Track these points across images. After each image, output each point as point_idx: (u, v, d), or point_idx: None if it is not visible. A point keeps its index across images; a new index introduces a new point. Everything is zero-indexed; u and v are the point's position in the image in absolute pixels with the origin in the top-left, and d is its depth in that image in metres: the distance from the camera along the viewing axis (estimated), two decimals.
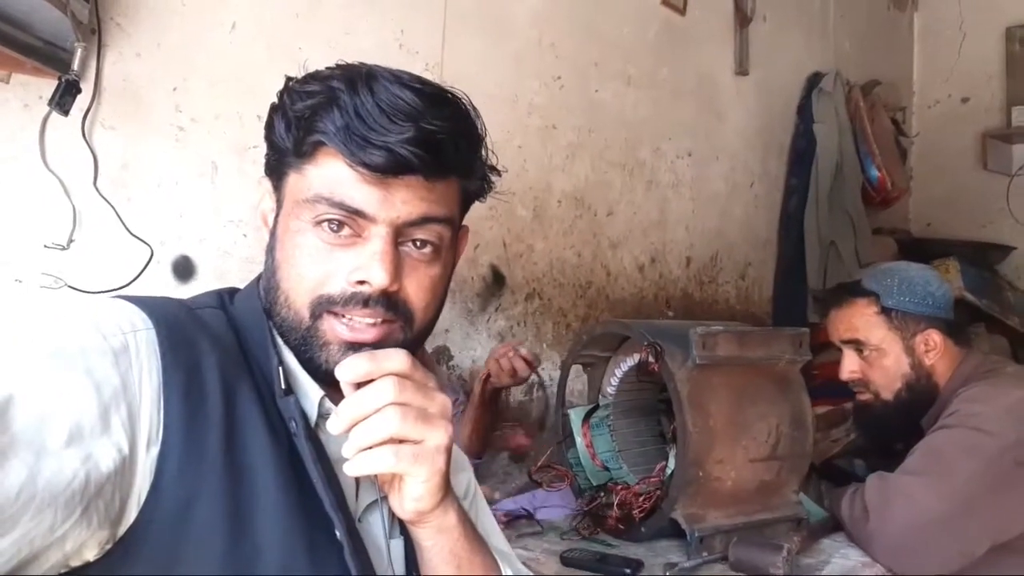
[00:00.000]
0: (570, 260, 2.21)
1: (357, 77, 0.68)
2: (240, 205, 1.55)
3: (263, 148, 0.76)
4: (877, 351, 1.61)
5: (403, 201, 0.69)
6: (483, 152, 0.76)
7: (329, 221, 0.69)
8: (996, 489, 1.40)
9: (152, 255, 1.44)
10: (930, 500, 1.38)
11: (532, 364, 1.67)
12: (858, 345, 1.63)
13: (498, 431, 1.82)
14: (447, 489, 0.70)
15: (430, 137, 0.67)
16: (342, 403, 0.65)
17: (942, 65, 3.60)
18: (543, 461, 1.54)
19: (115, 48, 1.39)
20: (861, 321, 1.62)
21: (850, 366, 1.65)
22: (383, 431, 0.63)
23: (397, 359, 0.65)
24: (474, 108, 0.73)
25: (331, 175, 0.68)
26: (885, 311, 1.60)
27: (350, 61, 0.72)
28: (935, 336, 1.59)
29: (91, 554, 0.60)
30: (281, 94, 0.72)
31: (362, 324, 0.69)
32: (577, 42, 2.22)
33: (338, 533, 0.67)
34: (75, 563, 0.59)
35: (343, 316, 0.69)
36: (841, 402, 1.87)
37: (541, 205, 2.14)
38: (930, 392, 1.60)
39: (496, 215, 2.02)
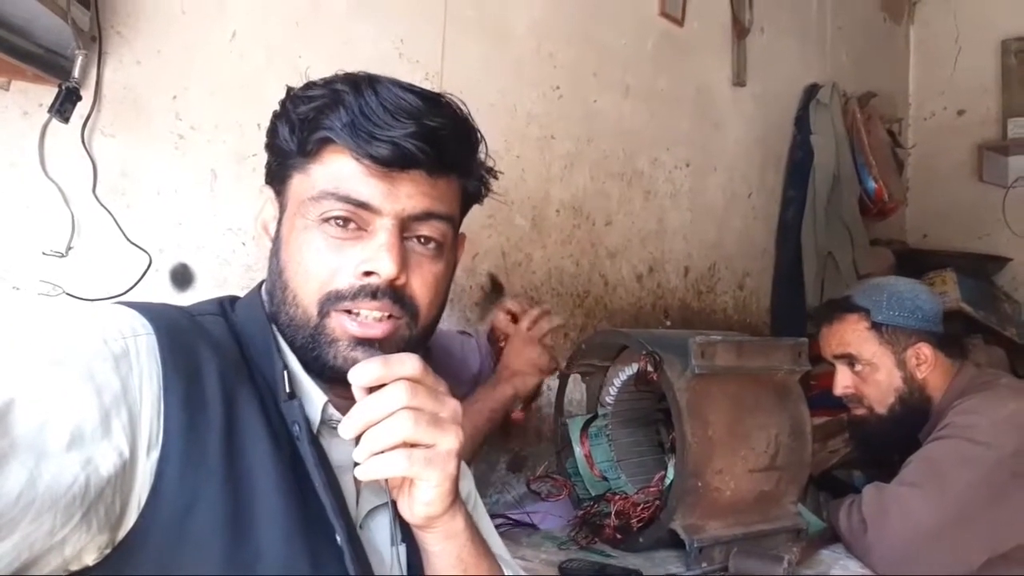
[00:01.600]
0: (568, 269, 2.21)
1: (360, 81, 0.70)
2: (239, 213, 1.54)
3: (263, 157, 0.76)
4: (869, 366, 1.62)
5: (408, 195, 0.71)
6: (480, 154, 0.77)
7: (336, 217, 0.70)
8: (993, 500, 1.40)
9: (151, 263, 1.43)
10: (926, 511, 1.38)
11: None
12: (850, 360, 1.64)
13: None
14: (456, 494, 0.70)
15: (432, 133, 0.69)
16: (354, 407, 0.65)
17: (938, 77, 3.62)
18: (541, 471, 1.54)
19: (115, 56, 1.39)
20: (852, 336, 1.63)
21: (843, 381, 1.66)
22: (396, 435, 0.64)
23: (409, 364, 0.66)
24: (469, 112, 0.76)
25: (336, 171, 0.70)
26: (875, 326, 1.62)
27: (350, 70, 0.74)
28: (925, 349, 1.60)
29: (90, 558, 0.60)
30: (284, 101, 0.74)
31: (370, 319, 0.70)
32: (576, 52, 2.23)
33: (339, 539, 0.67)
34: (74, 567, 0.59)
35: (351, 312, 0.70)
36: (839, 413, 1.88)
37: (539, 214, 2.14)
38: (923, 405, 1.61)
39: (495, 224, 2.02)
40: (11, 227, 1.30)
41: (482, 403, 1.45)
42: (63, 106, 1.20)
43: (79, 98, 1.25)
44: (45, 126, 1.31)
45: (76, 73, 1.23)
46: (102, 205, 1.38)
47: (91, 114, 1.36)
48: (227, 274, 1.53)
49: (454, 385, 1.77)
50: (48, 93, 1.26)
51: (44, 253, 1.32)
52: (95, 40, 1.35)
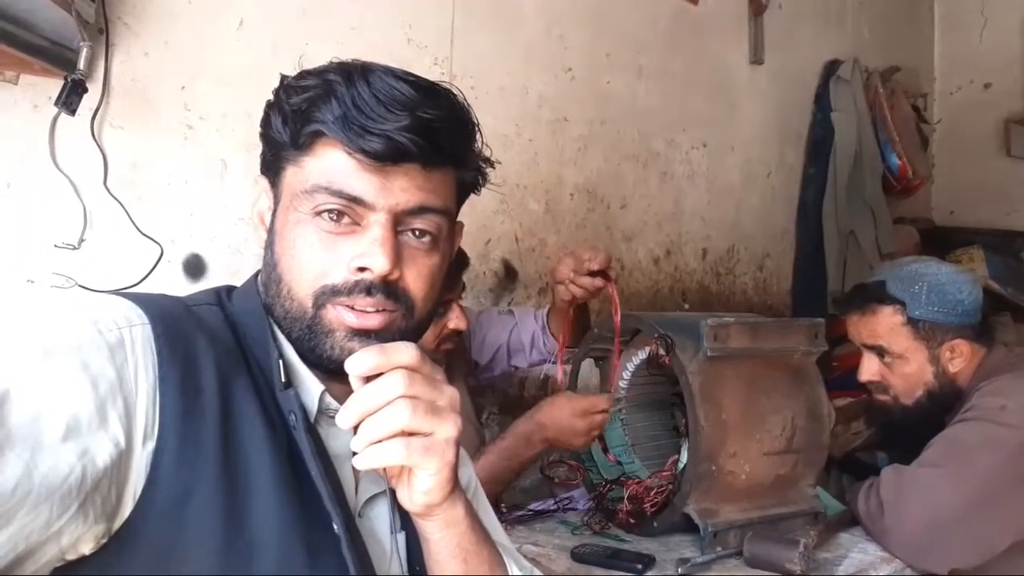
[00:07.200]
0: None
1: (353, 70, 0.69)
2: (250, 203, 1.55)
3: None
4: (900, 359, 1.55)
5: (402, 189, 0.69)
6: (477, 143, 0.76)
7: (328, 211, 0.69)
8: (1019, 483, 1.37)
9: (162, 254, 1.44)
10: (946, 493, 1.35)
11: (604, 270, 1.48)
12: (880, 351, 1.58)
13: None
14: (456, 482, 0.69)
15: (427, 125, 0.68)
16: (351, 396, 0.64)
17: (963, 50, 3.53)
18: (555, 456, 1.53)
19: (123, 47, 1.40)
20: (885, 330, 1.55)
21: (870, 369, 1.60)
22: (394, 424, 0.63)
23: (406, 352, 0.65)
24: (466, 100, 0.74)
25: (329, 165, 0.69)
26: (912, 321, 1.52)
27: (357, 57, 0.72)
28: (963, 346, 1.52)
29: (87, 548, 0.60)
30: (277, 91, 0.73)
31: (368, 309, 0.69)
32: (587, 33, 2.20)
33: (336, 527, 0.67)
34: (71, 557, 0.60)
35: (347, 305, 0.69)
36: (862, 394, 1.84)
37: (553, 198, 2.12)
38: (952, 396, 1.55)
39: (507, 209, 2.01)
40: (24, 220, 1.32)
41: (508, 462, 1.37)
42: (69, 98, 1.21)
43: (85, 90, 1.26)
44: (55, 119, 1.32)
45: (82, 65, 1.23)
46: (113, 197, 1.39)
47: (100, 106, 1.37)
48: (240, 264, 1.54)
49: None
50: (56, 86, 1.27)
51: (56, 245, 1.34)
52: (102, 32, 1.35)
